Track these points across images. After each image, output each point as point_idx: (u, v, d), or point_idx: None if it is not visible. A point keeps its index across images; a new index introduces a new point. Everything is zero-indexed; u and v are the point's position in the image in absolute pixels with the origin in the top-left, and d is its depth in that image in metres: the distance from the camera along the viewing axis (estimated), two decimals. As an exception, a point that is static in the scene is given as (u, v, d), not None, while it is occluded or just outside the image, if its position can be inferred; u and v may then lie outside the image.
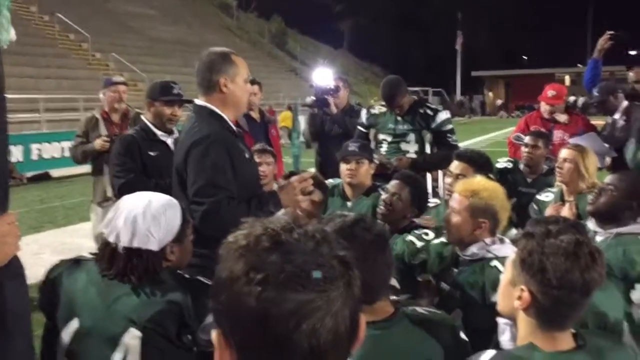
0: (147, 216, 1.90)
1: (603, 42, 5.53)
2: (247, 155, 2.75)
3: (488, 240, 2.43)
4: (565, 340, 1.53)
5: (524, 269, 1.55)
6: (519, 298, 1.55)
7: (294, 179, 2.76)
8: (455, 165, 3.42)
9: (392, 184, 3.15)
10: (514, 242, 1.64)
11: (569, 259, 1.49)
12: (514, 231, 3.12)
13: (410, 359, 1.61)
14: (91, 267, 1.95)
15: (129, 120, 5.21)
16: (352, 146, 3.73)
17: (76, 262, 1.99)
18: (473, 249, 2.44)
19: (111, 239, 1.89)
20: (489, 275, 2.33)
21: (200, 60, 2.73)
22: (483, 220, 2.42)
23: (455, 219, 2.49)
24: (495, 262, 2.34)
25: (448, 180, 3.40)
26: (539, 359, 1.46)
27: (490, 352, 1.52)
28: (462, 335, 1.80)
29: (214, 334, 0.84)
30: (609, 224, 2.79)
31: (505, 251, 2.37)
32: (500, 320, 2.23)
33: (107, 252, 1.90)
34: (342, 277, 0.81)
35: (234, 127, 2.77)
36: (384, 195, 3.13)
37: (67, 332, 1.87)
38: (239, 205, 2.55)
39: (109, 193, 4.66)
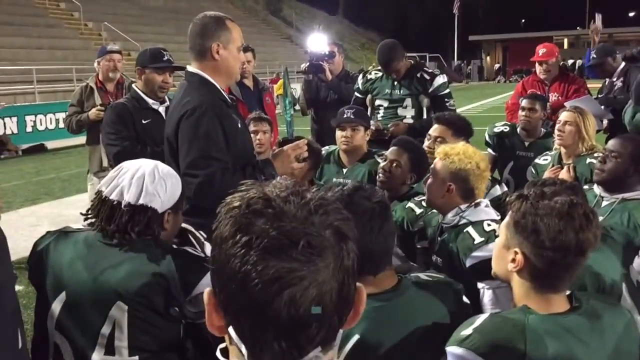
0: (155, 176, 1.90)
1: (592, 35, 5.48)
2: (239, 125, 2.68)
3: (463, 206, 2.42)
4: (560, 302, 1.52)
5: (517, 231, 1.54)
6: (513, 260, 1.55)
7: (288, 146, 2.72)
8: (433, 128, 3.41)
9: (391, 151, 3.10)
10: (508, 204, 1.62)
11: (562, 219, 1.47)
12: (497, 188, 3.13)
13: (418, 324, 1.61)
14: (78, 238, 1.92)
15: (123, 89, 5.16)
16: (348, 112, 3.68)
17: (63, 234, 1.96)
18: (450, 216, 2.44)
19: (113, 196, 1.87)
20: (460, 242, 2.33)
21: (193, 23, 2.63)
22: (450, 184, 2.41)
23: (430, 180, 2.51)
24: (468, 228, 2.34)
25: (426, 142, 3.40)
26: (532, 321, 1.45)
27: (484, 316, 1.52)
28: (465, 298, 1.80)
29: (206, 292, 0.84)
30: (615, 189, 2.77)
31: (479, 215, 2.38)
32: (479, 285, 2.24)
33: (106, 209, 1.87)
34: (332, 248, 0.77)
35: (226, 96, 2.70)
36: (382, 163, 3.09)
37: (57, 306, 1.87)
38: (234, 176, 2.51)
39: (105, 163, 4.63)
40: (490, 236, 2.25)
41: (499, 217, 2.40)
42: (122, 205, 1.85)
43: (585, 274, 1.93)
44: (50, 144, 13.75)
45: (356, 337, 1.52)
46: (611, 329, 1.51)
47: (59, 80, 17.50)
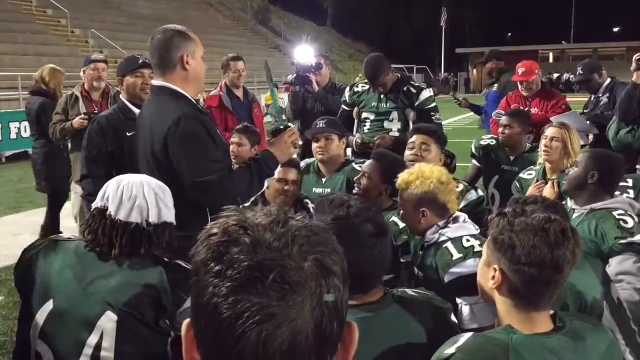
0: (162, 187, 1.93)
1: None
2: (218, 131, 2.74)
3: (441, 223, 2.45)
4: (543, 322, 1.52)
5: (496, 248, 1.55)
6: (493, 278, 1.55)
7: (283, 134, 2.73)
8: (416, 137, 3.45)
9: (366, 164, 3.19)
10: (489, 221, 1.63)
11: (537, 235, 1.49)
12: (473, 193, 3.16)
13: (395, 341, 1.60)
14: (68, 247, 1.91)
15: (109, 98, 5.14)
16: (320, 123, 3.75)
17: (53, 242, 1.95)
18: (429, 234, 2.46)
19: (132, 219, 1.85)
20: (440, 258, 2.35)
21: (154, 39, 2.62)
22: (423, 210, 2.43)
23: (402, 211, 2.56)
24: (448, 244, 2.36)
25: (409, 152, 3.42)
26: (516, 341, 1.45)
27: (467, 335, 1.51)
28: (452, 318, 1.79)
29: (185, 323, 0.79)
30: (579, 198, 2.84)
31: (458, 231, 2.40)
32: (457, 300, 2.25)
33: (125, 234, 1.84)
34: (310, 283, 0.71)
35: (198, 105, 2.73)
36: (357, 177, 3.18)
37: (42, 315, 1.85)
38: (243, 174, 2.57)
39: (88, 172, 4.58)
40: (469, 252, 2.27)
41: (478, 232, 2.42)
42: (146, 227, 1.84)
43: (567, 293, 1.93)
44: (34, 152, 13.59)
45: None
46: (594, 350, 1.51)
47: (44, 87, 17.34)
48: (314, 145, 3.71)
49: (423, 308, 1.71)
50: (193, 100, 2.66)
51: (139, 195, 1.86)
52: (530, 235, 1.49)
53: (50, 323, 1.83)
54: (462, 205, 3.05)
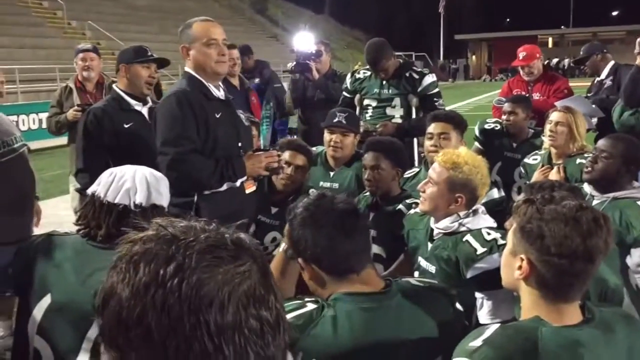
0: (156, 176, 1.93)
1: None
2: (217, 116, 2.87)
3: (462, 213, 2.32)
4: (572, 313, 1.44)
5: (523, 237, 1.46)
6: (519, 268, 1.46)
7: (263, 153, 3.00)
8: (434, 126, 3.30)
9: (367, 158, 3.03)
10: (515, 208, 1.55)
11: (568, 224, 1.40)
12: (495, 191, 3.08)
13: (404, 333, 1.55)
14: (65, 242, 1.89)
15: (104, 89, 5.06)
16: (340, 116, 3.55)
17: (48, 238, 1.93)
18: (447, 222, 2.33)
19: (119, 200, 1.83)
20: (461, 251, 2.23)
21: None
22: (460, 195, 2.30)
23: (432, 190, 2.35)
24: (467, 237, 2.24)
25: (428, 142, 3.31)
26: (546, 333, 1.37)
27: (494, 326, 1.43)
28: (458, 305, 1.72)
29: None
30: (606, 189, 2.75)
31: (479, 223, 2.30)
32: (478, 295, 2.18)
33: (112, 214, 1.83)
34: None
35: (214, 91, 2.92)
36: (365, 174, 3.03)
37: (40, 309, 1.81)
38: (206, 160, 2.77)
39: (85, 164, 4.51)
40: (493, 246, 2.16)
41: (495, 225, 2.33)
42: (133, 207, 1.83)
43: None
44: (33, 145, 13.47)
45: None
46: (623, 340, 1.44)
47: (41, 80, 17.25)
48: (327, 137, 3.54)
49: (432, 297, 1.66)
50: (206, 85, 2.89)
51: (128, 179, 1.86)
52: (560, 225, 1.40)
53: (48, 318, 1.80)
54: (482, 200, 2.99)
